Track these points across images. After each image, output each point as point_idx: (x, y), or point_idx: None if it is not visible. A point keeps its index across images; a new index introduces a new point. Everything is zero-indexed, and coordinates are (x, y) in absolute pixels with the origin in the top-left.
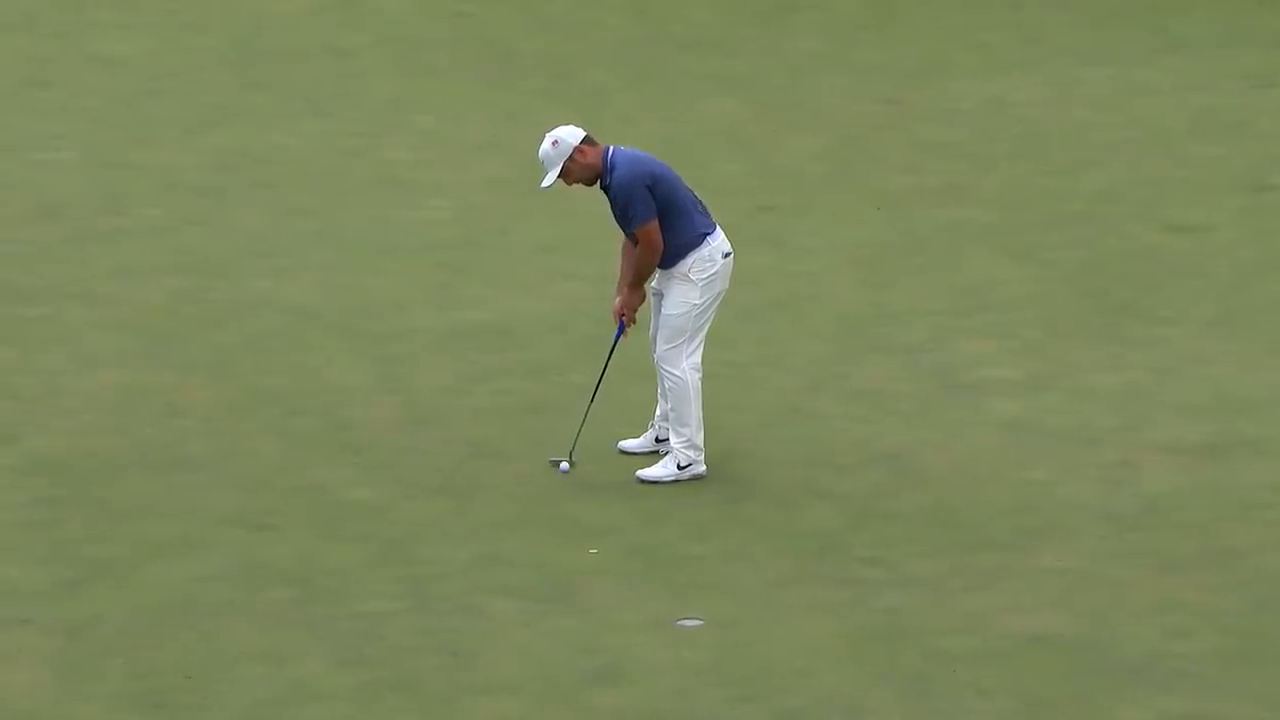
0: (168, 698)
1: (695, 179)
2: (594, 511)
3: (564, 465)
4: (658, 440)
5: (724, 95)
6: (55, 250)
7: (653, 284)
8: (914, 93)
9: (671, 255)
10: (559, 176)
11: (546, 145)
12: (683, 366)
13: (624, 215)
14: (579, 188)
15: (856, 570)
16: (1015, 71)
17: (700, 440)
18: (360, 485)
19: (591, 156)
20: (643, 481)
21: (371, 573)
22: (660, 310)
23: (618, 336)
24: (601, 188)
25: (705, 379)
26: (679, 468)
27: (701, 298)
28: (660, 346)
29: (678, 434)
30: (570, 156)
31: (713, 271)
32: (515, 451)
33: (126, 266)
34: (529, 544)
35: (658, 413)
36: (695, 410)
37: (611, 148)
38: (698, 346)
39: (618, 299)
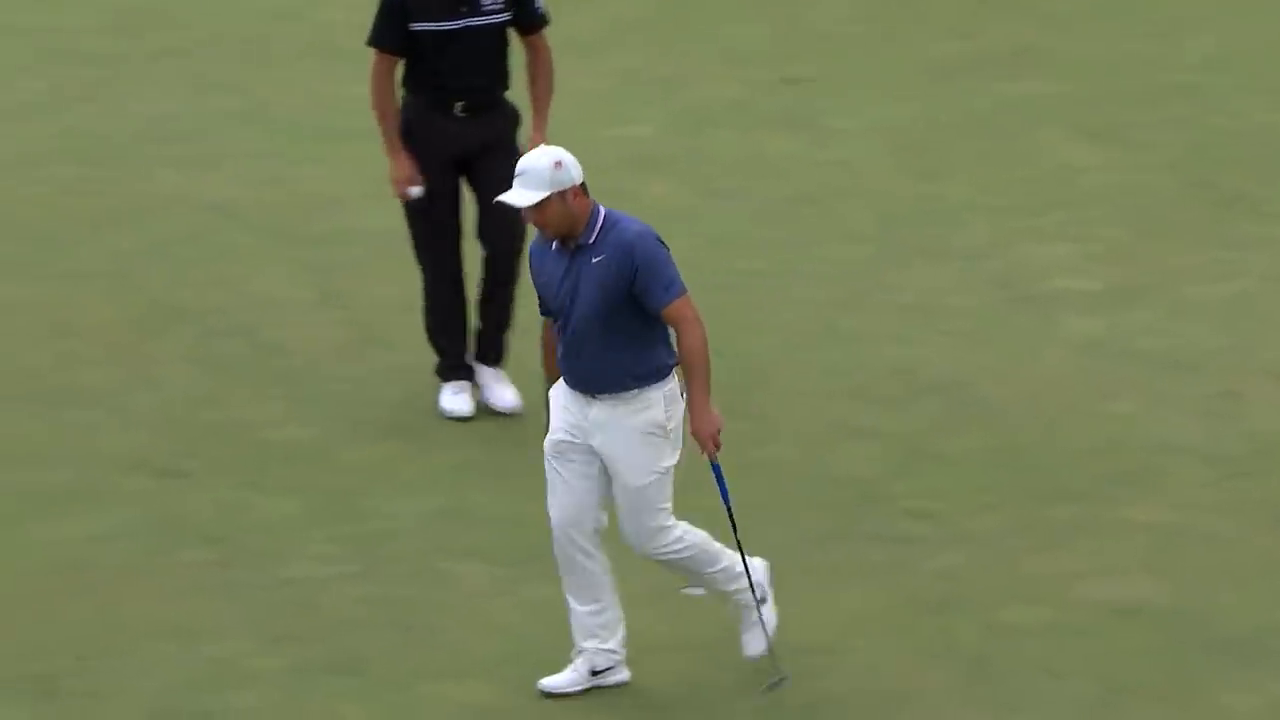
0: (57, 684)
1: (701, 48)
2: None
3: (777, 681)
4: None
5: None
6: None
7: (561, 433)
8: None
9: (636, 377)
10: (535, 204)
11: (544, 160)
12: (679, 532)
13: (652, 282)
14: None
15: (903, 526)
16: None
17: (738, 564)
18: (293, 423)
19: (582, 205)
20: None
21: (306, 530)
22: (608, 482)
23: (719, 477)
24: (574, 247)
25: (719, 291)
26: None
27: (674, 456)
28: (636, 535)
29: (731, 581)
30: (564, 191)
31: (680, 414)
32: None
33: (1, 153)
34: (501, 495)
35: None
36: (717, 547)
37: (602, 206)
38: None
39: (695, 423)
